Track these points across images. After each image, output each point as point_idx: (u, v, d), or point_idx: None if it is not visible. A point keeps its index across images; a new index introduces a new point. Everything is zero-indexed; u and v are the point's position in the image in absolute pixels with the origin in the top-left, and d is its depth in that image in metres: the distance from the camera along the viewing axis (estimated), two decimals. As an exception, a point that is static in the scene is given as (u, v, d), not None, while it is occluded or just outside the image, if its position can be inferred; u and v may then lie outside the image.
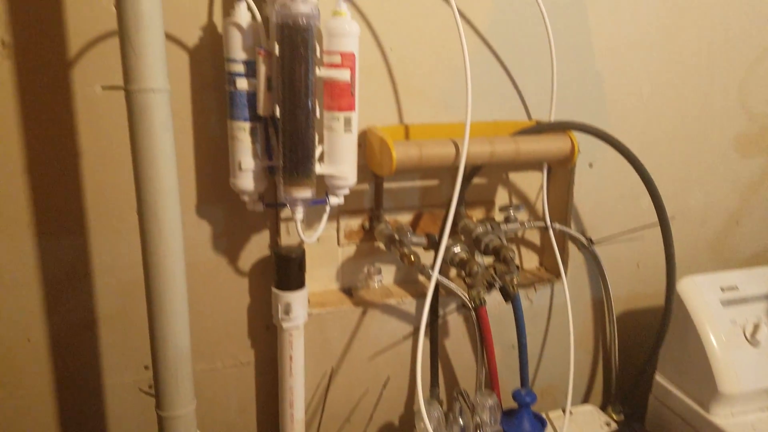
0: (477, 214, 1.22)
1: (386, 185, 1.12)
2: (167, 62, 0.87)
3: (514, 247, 1.28)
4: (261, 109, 0.85)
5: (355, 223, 1.13)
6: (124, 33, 0.64)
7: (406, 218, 1.17)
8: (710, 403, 1.07)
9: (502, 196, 1.23)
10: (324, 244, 1.12)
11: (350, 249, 1.15)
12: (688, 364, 1.11)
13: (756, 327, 1.08)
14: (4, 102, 0.86)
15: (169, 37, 0.88)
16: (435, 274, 0.95)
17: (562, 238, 1.24)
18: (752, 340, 1.07)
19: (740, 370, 1.05)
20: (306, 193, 0.87)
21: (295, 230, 1.01)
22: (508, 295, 1.03)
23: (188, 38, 0.89)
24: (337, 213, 1.11)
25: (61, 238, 0.93)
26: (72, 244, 0.93)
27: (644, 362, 1.23)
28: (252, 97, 0.85)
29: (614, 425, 1.17)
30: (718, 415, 1.07)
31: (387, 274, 1.19)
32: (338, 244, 1.13)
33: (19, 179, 0.89)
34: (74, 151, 0.89)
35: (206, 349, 1.06)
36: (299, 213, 0.90)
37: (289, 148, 0.83)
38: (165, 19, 0.86)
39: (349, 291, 1.16)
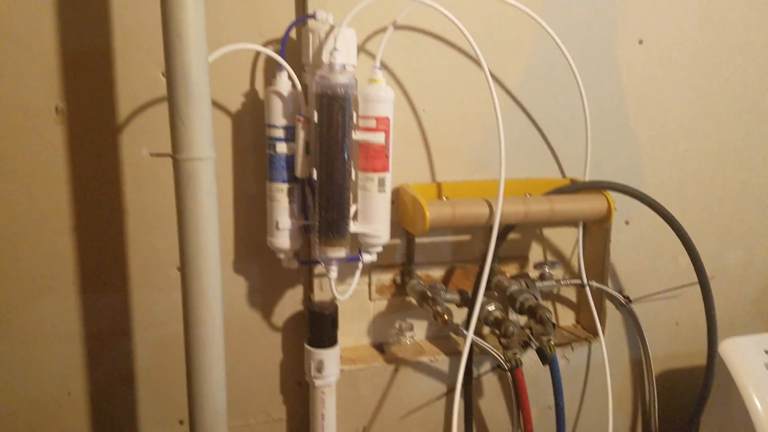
0: (510, 269, 1.21)
1: (418, 240, 1.13)
2: (213, 127, 0.92)
3: (549, 304, 1.26)
4: (299, 172, 0.87)
5: (386, 277, 1.14)
6: (173, 105, 0.68)
7: (437, 273, 1.17)
8: (757, 472, 1.02)
9: (536, 252, 1.22)
10: (356, 299, 1.13)
11: (382, 304, 1.15)
12: (732, 429, 1.07)
13: (804, 392, 1.04)
14: (56, 164, 0.90)
15: (214, 104, 0.92)
16: (470, 335, 0.95)
17: (599, 296, 1.22)
18: (800, 407, 1.03)
19: (788, 438, 1.00)
20: (341, 252, 0.89)
21: (328, 286, 1.03)
22: (546, 357, 1.01)
23: (231, 104, 0.93)
24: (369, 268, 1.12)
25: (104, 294, 0.96)
26: (114, 300, 0.96)
27: (686, 427, 1.18)
28: (290, 159, 0.88)
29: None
30: (766, 486, 1.02)
31: (419, 330, 1.19)
32: (370, 298, 1.14)
33: (66, 237, 0.93)
34: (120, 211, 0.93)
35: (239, 405, 1.06)
36: (333, 272, 0.91)
37: (325, 209, 0.85)
38: (211, 87, 0.91)
39: (380, 347, 1.15)
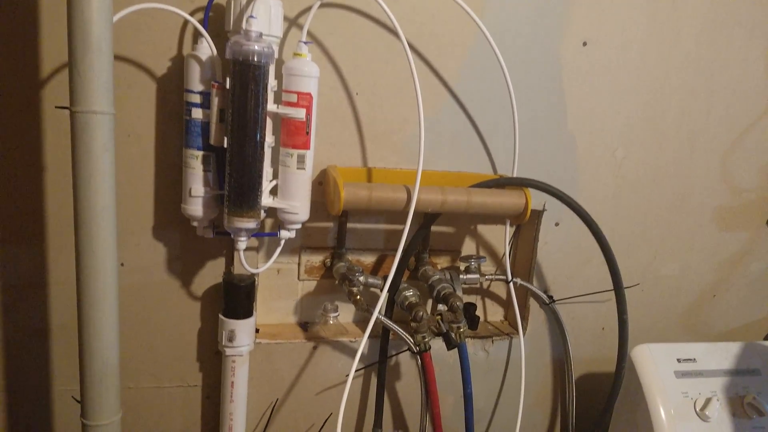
0: (442, 262, 1.23)
1: (352, 225, 1.14)
2: (137, 89, 0.93)
3: (479, 299, 1.28)
4: (213, 140, 0.88)
5: (317, 259, 1.15)
6: (71, 56, 0.69)
7: (369, 259, 1.18)
8: (654, 476, 1.04)
9: (469, 247, 1.24)
10: (284, 277, 1.15)
11: (311, 284, 1.17)
12: (636, 433, 1.09)
13: (708, 401, 1.06)
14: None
15: (139, 66, 0.93)
16: (375, 313, 0.96)
17: (524, 293, 1.24)
18: (701, 415, 1.05)
19: (685, 444, 1.02)
20: (250, 223, 0.90)
21: (250, 259, 1.04)
22: (451, 343, 1.03)
23: (157, 68, 0.94)
24: (299, 248, 1.13)
25: (20, 247, 0.96)
26: (30, 254, 0.97)
27: (592, 428, 1.20)
28: (206, 127, 0.89)
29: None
30: (662, 490, 1.04)
31: (347, 314, 1.20)
32: (298, 278, 1.15)
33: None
34: (39, 166, 0.94)
35: (154, 368, 1.07)
36: (242, 243, 0.92)
37: (235, 178, 0.87)
38: (135, 48, 0.92)
39: (305, 325, 1.17)
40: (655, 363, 1.10)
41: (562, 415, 1.32)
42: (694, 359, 1.12)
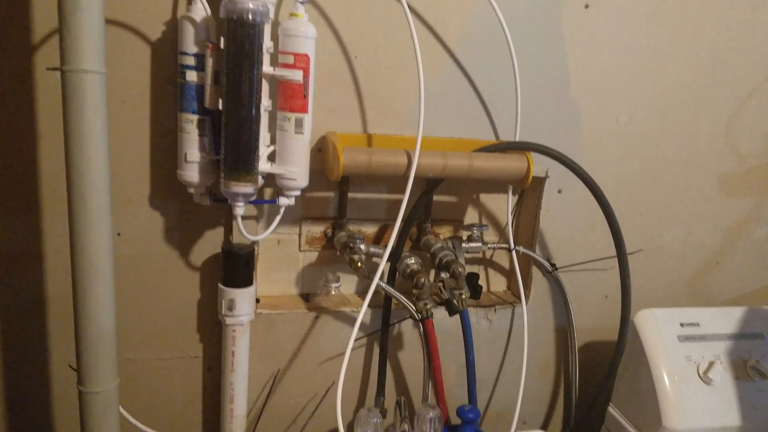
0: (445, 232, 1.22)
1: (353, 195, 1.13)
2: (131, 54, 0.91)
3: (481, 269, 1.27)
4: (208, 102, 0.87)
5: (318, 229, 1.14)
6: (61, 14, 0.67)
7: (371, 230, 1.17)
8: (656, 438, 1.04)
9: (472, 217, 1.22)
10: (285, 248, 1.14)
11: (312, 255, 1.16)
12: (639, 397, 1.08)
13: (711, 365, 1.05)
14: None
15: (133, 30, 0.91)
16: (376, 278, 0.95)
17: (527, 262, 1.23)
18: (704, 378, 1.04)
19: (688, 406, 1.01)
20: (247, 188, 0.88)
21: (249, 229, 1.03)
22: (453, 309, 1.02)
23: (152, 32, 0.92)
24: (300, 218, 1.12)
25: (15, 216, 0.95)
26: (25, 223, 0.96)
27: (596, 392, 1.20)
28: (201, 90, 0.87)
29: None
30: (664, 452, 1.04)
31: (349, 284, 1.19)
32: (299, 249, 1.14)
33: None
34: (33, 133, 0.92)
35: (154, 339, 1.07)
36: (239, 209, 0.91)
37: (231, 142, 0.85)
38: (129, 12, 0.91)
39: (306, 296, 1.16)
40: (658, 327, 1.09)
41: (565, 383, 1.32)
42: (698, 323, 1.11)
